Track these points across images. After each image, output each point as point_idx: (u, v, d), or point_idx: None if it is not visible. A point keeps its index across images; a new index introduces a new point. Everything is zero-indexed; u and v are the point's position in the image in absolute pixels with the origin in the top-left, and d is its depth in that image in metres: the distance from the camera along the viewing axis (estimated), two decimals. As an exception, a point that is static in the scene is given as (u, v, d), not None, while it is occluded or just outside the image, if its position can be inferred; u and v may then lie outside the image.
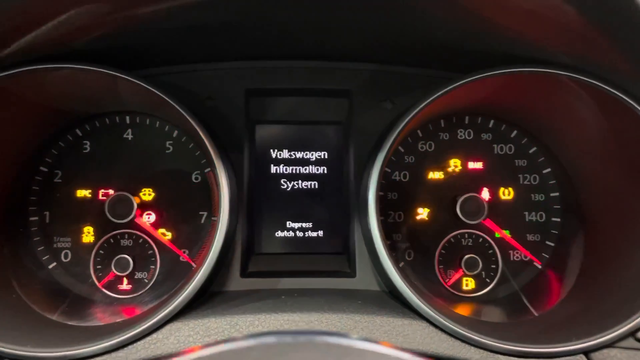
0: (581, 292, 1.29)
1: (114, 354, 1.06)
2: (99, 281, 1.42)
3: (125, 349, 1.07)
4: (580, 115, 1.25)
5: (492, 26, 1.09)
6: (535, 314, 1.35)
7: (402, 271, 1.21)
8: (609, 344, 1.06)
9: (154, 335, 1.10)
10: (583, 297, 1.27)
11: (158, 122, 1.46)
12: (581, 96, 1.17)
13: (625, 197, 1.24)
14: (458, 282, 1.46)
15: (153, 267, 1.43)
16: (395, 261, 1.22)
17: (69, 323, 1.26)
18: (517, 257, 1.47)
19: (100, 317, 1.33)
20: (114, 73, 1.19)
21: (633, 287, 1.13)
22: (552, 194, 1.47)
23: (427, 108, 1.25)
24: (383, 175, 1.42)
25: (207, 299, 1.28)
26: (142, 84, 1.21)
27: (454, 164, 1.48)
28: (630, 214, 1.22)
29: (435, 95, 1.23)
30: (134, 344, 1.08)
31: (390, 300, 1.27)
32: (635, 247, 1.19)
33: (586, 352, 1.06)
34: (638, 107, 1.10)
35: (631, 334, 1.05)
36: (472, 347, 1.09)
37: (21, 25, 1.01)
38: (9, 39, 1.04)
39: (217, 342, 0.59)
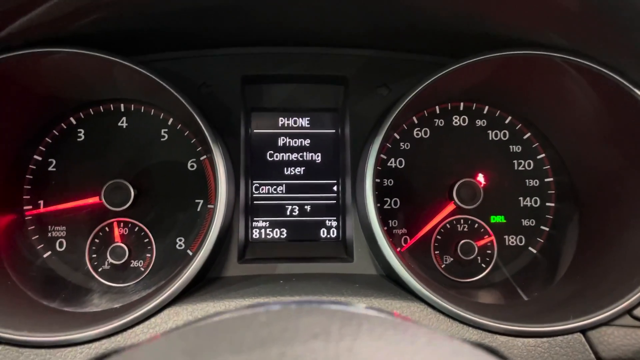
0: (577, 274, 1.31)
1: (112, 338, 1.06)
2: (95, 270, 1.41)
3: (124, 333, 1.07)
4: (576, 99, 1.25)
5: (488, 8, 1.10)
6: (526, 299, 1.36)
7: (400, 256, 1.21)
8: (606, 322, 1.07)
9: (152, 320, 1.10)
10: (579, 279, 1.28)
11: (153, 110, 1.45)
12: (577, 79, 1.18)
13: (619, 180, 1.25)
14: (453, 267, 1.46)
15: (149, 255, 1.43)
16: (394, 247, 1.22)
17: (66, 309, 1.25)
18: (513, 242, 1.48)
19: (97, 304, 1.32)
20: (110, 57, 1.18)
21: (628, 267, 1.15)
22: (546, 179, 1.48)
23: (422, 93, 1.26)
24: (379, 162, 1.43)
25: (204, 285, 1.27)
26: (138, 68, 1.20)
27: (449, 151, 1.48)
28: (624, 196, 1.24)
29: (430, 80, 1.24)
30: (133, 329, 1.08)
31: (388, 284, 1.28)
32: (629, 228, 1.20)
33: (583, 330, 1.07)
34: (635, 90, 1.11)
35: (627, 311, 1.07)
36: (471, 328, 1.09)
37: (13, 9, 0.99)
38: (1, 23, 1.03)
39: (223, 312, 0.59)
